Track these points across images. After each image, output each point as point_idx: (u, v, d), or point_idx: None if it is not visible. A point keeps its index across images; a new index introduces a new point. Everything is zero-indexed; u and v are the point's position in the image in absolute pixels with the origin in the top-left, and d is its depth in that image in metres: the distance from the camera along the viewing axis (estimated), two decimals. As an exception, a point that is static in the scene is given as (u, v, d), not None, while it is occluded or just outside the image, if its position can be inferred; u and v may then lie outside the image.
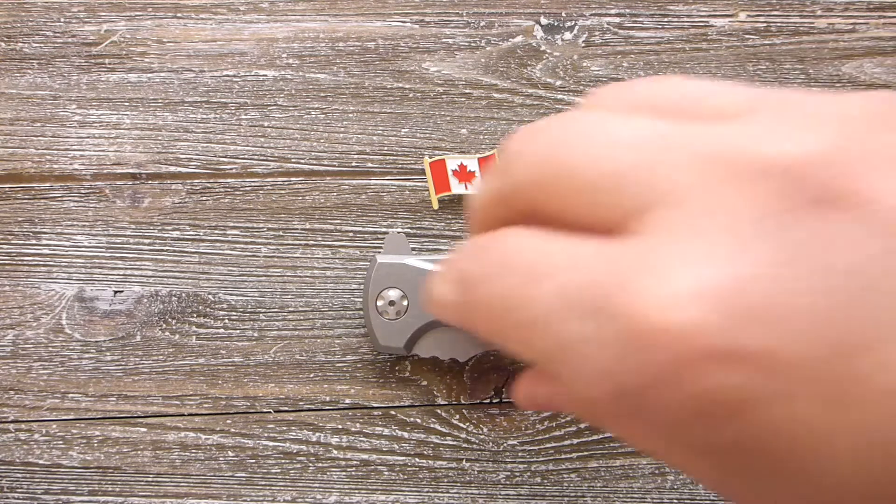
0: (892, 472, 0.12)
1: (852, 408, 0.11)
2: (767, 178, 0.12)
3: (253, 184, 0.33)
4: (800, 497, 0.13)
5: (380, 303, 0.28)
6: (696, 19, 0.34)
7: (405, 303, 0.28)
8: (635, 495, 0.30)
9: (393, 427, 0.31)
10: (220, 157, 0.33)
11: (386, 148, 0.33)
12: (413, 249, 0.31)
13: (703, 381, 0.12)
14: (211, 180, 0.32)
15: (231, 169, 0.33)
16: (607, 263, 0.13)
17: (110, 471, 0.30)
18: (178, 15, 0.34)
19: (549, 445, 0.30)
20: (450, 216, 0.32)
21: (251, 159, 0.33)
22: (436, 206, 0.32)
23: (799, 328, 0.11)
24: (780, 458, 0.12)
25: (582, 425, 0.31)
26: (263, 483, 0.30)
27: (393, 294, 0.28)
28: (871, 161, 0.12)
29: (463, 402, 0.31)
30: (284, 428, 0.31)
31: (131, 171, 0.33)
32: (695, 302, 0.12)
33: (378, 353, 0.31)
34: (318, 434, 0.31)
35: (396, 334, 0.28)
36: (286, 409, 0.31)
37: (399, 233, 0.30)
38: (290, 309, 0.31)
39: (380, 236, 0.32)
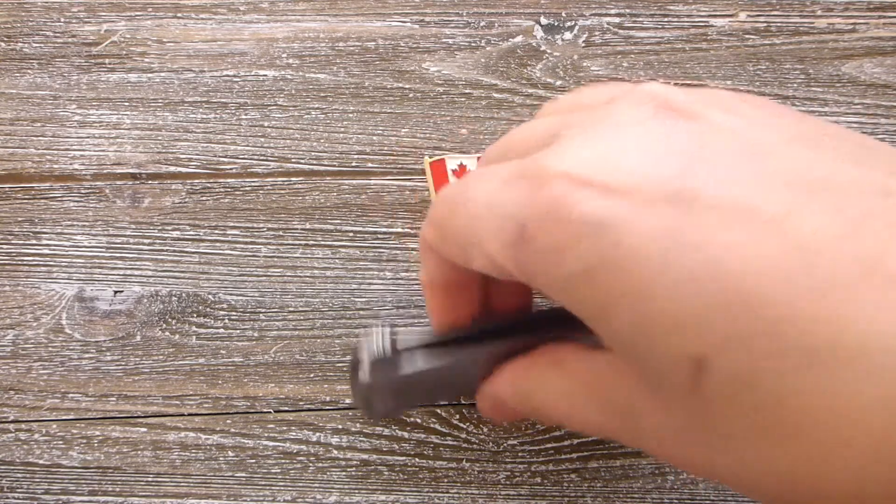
0: (718, 295, 0.15)
1: (684, 234, 0.15)
2: (647, 102, 0.18)
3: (253, 184, 0.33)
4: (648, 317, 0.16)
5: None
6: (696, 19, 0.34)
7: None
8: (635, 495, 0.30)
9: (393, 427, 0.31)
10: (220, 157, 0.33)
11: (386, 148, 0.33)
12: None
13: (575, 204, 0.16)
14: (211, 180, 0.32)
15: (231, 169, 0.33)
16: (531, 157, 0.19)
17: (110, 471, 0.30)
18: (178, 15, 0.34)
19: (549, 445, 0.30)
20: (450, 216, 0.32)
21: (251, 159, 0.33)
22: (436, 206, 0.32)
23: (648, 180, 0.16)
24: (630, 273, 0.16)
25: (582, 425, 0.31)
26: (263, 483, 0.30)
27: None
28: (711, 105, 0.18)
29: (463, 401, 0.31)
30: (284, 428, 0.31)
31: (131, 171, 0.33)
32: (577, 161, 0.17)
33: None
34: (318, 434, 0.31)
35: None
36: (286, 409, 0.31)
37: (392, 329, 0.26)
38: (290, 309, 0.31)
39: (380, 236, 0.32)
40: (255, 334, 0.31)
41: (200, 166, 0.33)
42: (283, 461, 0.30)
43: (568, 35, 0.34)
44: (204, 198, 0.32)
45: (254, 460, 0.30)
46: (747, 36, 0.34)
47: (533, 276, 0.18)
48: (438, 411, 0.31)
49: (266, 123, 0.33)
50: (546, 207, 0.17)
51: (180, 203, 0.32)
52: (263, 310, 0.31)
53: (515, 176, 0.18)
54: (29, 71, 0.33)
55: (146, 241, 0.32)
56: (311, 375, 0.31)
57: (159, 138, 0.33)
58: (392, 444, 0.30)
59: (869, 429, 0.13)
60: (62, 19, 0.34)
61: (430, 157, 0.32)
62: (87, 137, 0.33)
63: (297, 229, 0.32)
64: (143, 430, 0.30)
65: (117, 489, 0.30)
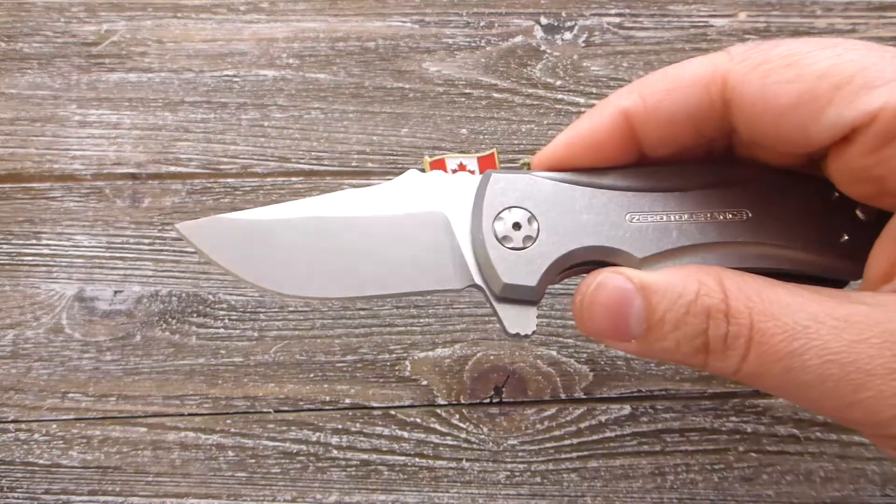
0: None
1: None
2: None
3: (253, 184, 0.33)
4: None
5: (498, 226, 0.20)
6: (696, 19, 0.34)
7: (535, 225, 0.20)
8: (635, 495, 0.30)
9: (393, 427, 0.31)
10: (220, 157, 0.33)
11: (386, 148, 0.33)
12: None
13: None
14: (211, 180, 0.33)
15: (231, 169, 0.33)
16: None
17: (110, 471, 0.30)
18: (178, 15, 0.34)
19: (549, 445, 0.30)
20: (450, 216, 0.32)
21: (251, 159, 0.33)
22: (436, 206, 0.32)
23: None
24: None
25: (582, 425, 0.31)
26: (263, 483, 0.30)
27: (516, 215, 0.20)
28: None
29: (463, 402, 0.31)
30: (284, 428, 0.31)
31: (131, 171, 0.33)
32: None
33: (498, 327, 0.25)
34: (318, 434, 0.31)
35: (525, 267, 0.20)
36: (286, 409, 0.31)
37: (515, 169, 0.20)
38: (290, 309, 0.31)
39: (380, 236, 0.32)
40: (255, 334, 0.31)
41: (200, 166, 0.33)
42: (283, 461, 0.30)
43: (568, 35, 0.34)
44: (204, 198, 0.32)
45: (254, 460, 0.30)
46: (747, 36, 0.34)
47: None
48: (438, 411, 0.31)
49: (266, 123, 0.33)
50: None
51: (180, 203, 0.32)
52: (263, 310, 0.31)
53: None
54: (29, 71, 0.33)
55: (146, 241, 0.32)
56: (311, 375, 0.31)
57: (159, 138, 0.33)
58: (392, 443, 0.30)
59: None
60: (62, 19, 0.34)
61: (430, 157, 0.32)
62: (87, 137, 0.33)
63: (297, 229, 0.32)
64: (143, 430, 0.30)
65: (117, 489, 0.30)
